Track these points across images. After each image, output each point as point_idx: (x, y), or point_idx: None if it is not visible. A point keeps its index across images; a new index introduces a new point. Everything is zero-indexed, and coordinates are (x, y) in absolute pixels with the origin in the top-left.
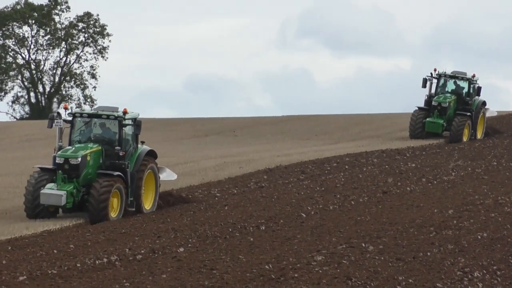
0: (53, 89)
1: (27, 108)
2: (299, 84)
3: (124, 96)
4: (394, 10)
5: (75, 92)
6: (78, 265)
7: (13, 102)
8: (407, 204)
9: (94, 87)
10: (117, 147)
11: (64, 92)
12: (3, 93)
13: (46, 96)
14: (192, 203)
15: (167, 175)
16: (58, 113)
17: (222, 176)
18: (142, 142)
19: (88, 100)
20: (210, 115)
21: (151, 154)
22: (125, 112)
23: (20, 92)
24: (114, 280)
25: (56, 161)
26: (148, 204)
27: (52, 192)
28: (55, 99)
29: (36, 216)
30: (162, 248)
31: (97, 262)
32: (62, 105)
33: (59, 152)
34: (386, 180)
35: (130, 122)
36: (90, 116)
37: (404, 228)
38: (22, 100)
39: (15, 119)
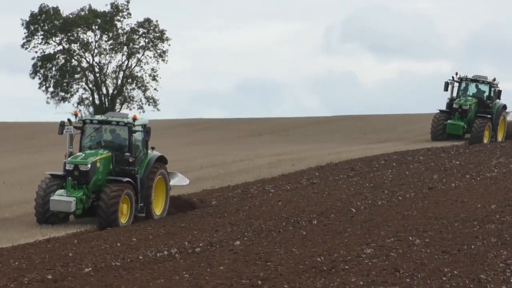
0: (115, 91)
1: (91, 109)
2: (345, 86)
3: (181, 98)
4: (434, 15)
5: (137, 93)
6: (140, 257)
7: (78, 103)
8: (452, 200)
9: (155, 89)
10: (127, 153)
11: (126, 94)
12: (69, 95)
13: (109, 97)
14: (204, 208)
15: (179, 180)
16: (69, 120)
17: (276, 173)
18: (152, 148)
19: (150, 101)
20: (262, 116)
21: (161, 160)
22: (134, 119)
23: (84, 94)
24: (174, 271)
25: (66, 168)
26: (158, 209)
27: (62, 199)
28: (118, 100)
29: (46, 221)
30: (219, 241)
31: (158, 254)
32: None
33: (69, 159)
34: (431, 176)
35: (139, 128)
36: (100, 122)
37: (449, 222)
38: (86, 101)
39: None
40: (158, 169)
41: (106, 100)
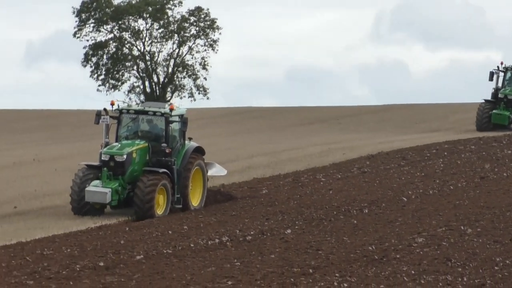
0: (166, 79)
1: (142, 97)
2: (394, 75)
3: (231, 86)
4: (484, 3)
5: (187, 82)
6: (192, 245)
7: (129, 91)
8: (504, 189)
9: (205, 77)
10: (164, 144)
11: (177, 82)
12: (120, 83)
13: (160, 86)
14: (238, 199)
15: (217, 171)
16: (105, 109)
17: (327, 162)
18: (190, 139)
19: (201, 89)
20: (310, 105)
21: (199, 151)
22: (171, 109)
23: (135, 82)
24: (225, 259)
25: (102, 158)
26: (195, 201)
27: (97, 190)
28: (168, 89)
29: (82, 212)
30: (270, 229)
31: (209, 242)
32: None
33: (104, 149)
34: (483, 166)
35: (176, 118)
36: (137, 112)
37: (501, 212)
38: (137, 89)
39: None
40: (195, 160)
41: (157, 88)
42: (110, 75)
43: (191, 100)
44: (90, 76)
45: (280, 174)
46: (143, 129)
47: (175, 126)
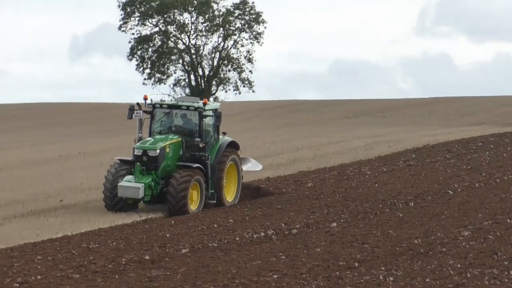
0: (211, 73)
1: (187, 90)
2: (439, 68)
3: (276, 79)
4: None
5: (232, 75)
6: (237, 238)
7: (174, 84)
8: None
9: (250, 70)
10: (197, 139)
11: (222, 75)
12: (165, 76)
13: (205, 79)
14: (271, 195)
15: (252, 166)
16: (138, 104)
17: (372, 155)
18: (224, 134)
19: (246, 82)
20: (355, 98)
21: (233, 146)
22: (205, 103)
23: (181, 75)
24: (271, 253)
25: (135, 153)
26: (230, 196)
27: (130, 185)
28: (213, 82)
29: (115, 208)
30: (315, 223)
31: (254, 236)
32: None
33: (137, 144)
34: None
35: (210, 113)
36: (170, 107)
37: None
38: (183, 83)
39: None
40: (229, 155)
41: (202, 81)
42: (155, 69)
43: (236, 93)
44: (136, 69)
45: (325, 167)
46: (177, 124)
47: (209, 120)
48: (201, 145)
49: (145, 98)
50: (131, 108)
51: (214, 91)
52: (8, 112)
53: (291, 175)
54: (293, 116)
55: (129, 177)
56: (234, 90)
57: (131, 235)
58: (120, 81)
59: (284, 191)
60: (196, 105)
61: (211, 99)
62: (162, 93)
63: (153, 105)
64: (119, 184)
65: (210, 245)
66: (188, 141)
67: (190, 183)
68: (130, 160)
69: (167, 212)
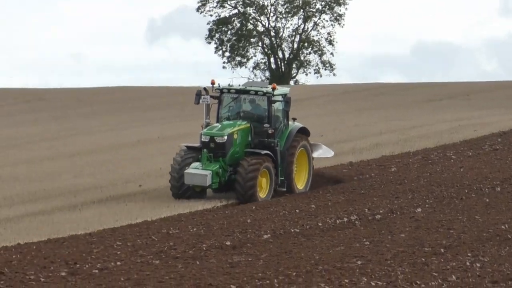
0: (291, 55)
1: (267, 74)
2: None
3: (357, 62)
4: None
5: (313, 58)
6: (320, 224)
7: (254, 68)
8: None
9: (331, 53)
10: (266, 125)
11: (302, 58)
12: (245, 59)
13: (285, 62)
14: (342, 182)
15: (323, 152)
16: (205, 89)
17: (457, 139)
18: (294, 119)
19: (327, 65)
20: (439, 80)
21: (303, 132)
22: (274, 88)
23: (261, 58)
24: (354, 238)
25: (202, 139)
26: (300, 183)
27: (197, 172)
28: (294, 65)
29: (182, 196)
30: (400, 208)
31: (337, 221)
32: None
33: (204, 130)
34: None
35: (279, 98)
36: (238, 92)
37: None
38: (262, 66)
39: None
40: (299, 141)
41: (282, 64)
42: (235, 52)
43: (317, 77)
44: (215, 52)
45: (409, 151)
46: (245, 109)
47: (278, 106)
48: (270, 131)
49: (213, 83)
50: (198, 93)
51: (295, 74)
52: (86, 96)
53: (374, 159)
54: (375, 99)
55: (196, 164)
56: (315, 73)
57: (211, 220)
58: (199, 64)
59: (362, 177)
60: (264, 90)
61: (291, 82)
62: (242, 76)
63: (221, 90)
64: (186, 171)
65: (292, 230)
66: (257, 127)
67: (259, 171)
68: (197, 146)
69: (235, 200)
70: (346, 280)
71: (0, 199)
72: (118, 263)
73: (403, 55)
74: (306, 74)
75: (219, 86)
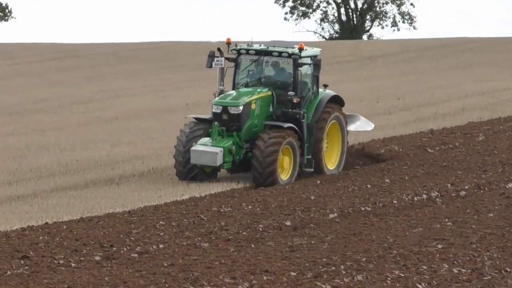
0: (365, 6)
1: (336, 27)
2: None
3: (440, 13)
4: None
5: (390, 8)
6: (395, 201)
7: (321, 20)
8: None
9: (412, 3)
10: (291, 92)
11: (378, 9)
12: (310, 10)
13: (358, 13)
14: (381, 161)
15: (361, 125)
16: (219, 49)
17: None
18: (325, 86)
19: (406, 17)
20: None
21: (336, 101)
22: (300, 48)
23: (328, 8)
24: (434, 218)
25: (213, 110)
26: (332, 163)
27: (205, 149)
28: (368, 17)
29: (188, 177)
30: (488, 183)
31: (415, 198)
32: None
33: (216, 99)
34: None
35: (307, 61)
36: (259, 53)
37: None
38: (331, 17)
39: (323, 39)
40: (331, 112)
41: (354, 16)
42: (298, 1)
43: (394, 30)
44: (275, 2)
45: (500, 117)
46: (267, 74)
47: (306, 70)
48: (295, 100)
49: (228, 42)
50: (211, 55)
51: (368, 27)
52: (125, 52)
53: (459, 126)
54: (462, 56)
55: (205, 139)
56: (392, 26)
57: (269, 197)
58: (258, 17)
59: (400, 153)
60: (290, 51)
61: (364, 37)
62: (307, 29)
63: (238, 51)
64: (192, 148)
65: (363, 209)
66: (280, 95)
67: (280, 146)
68: (208, 118)
69: (252, 182)
70: (424, 267)
71: (26, 171)
72: (161, 245)
73: (494, 6)
74: (382, 27)
75: (236, 46)
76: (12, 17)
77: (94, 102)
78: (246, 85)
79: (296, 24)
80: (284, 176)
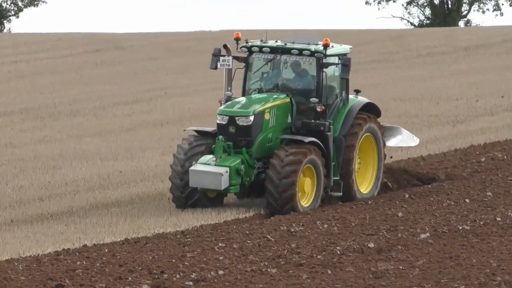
0: None
1: (427, 12)
2: None
3: None
4: None
5: None
6: (498, 218)
7: (408, 3)
8: None
9: None
10: (314, 99)
11: None
12: None
13: None
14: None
15: (403, 140)
16: (225, 46)
17: None
18: (357, 92)
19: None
20: None
21: (370, 110)
22: (326, 45)
23: None
24: None
25: (217, 121)
26: (365, 186)
27: (207, 170)
28: (465, 0)
29: (187, 203)
30: None
31: None
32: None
33: (221, 108)
34: None
35: (334, 60)
36: (274, 51)
37: None
38: (421, 1)
39: (412, 26)
40: (363, 124)
41: None
42: None
43: (497, 15)
44: None
45: None
46: (284, 77)
47: (333, 71)
48: (319, 109)
49: (237, 38)
50: (216, 53)
51: (466, 11)
52: (177, 43)
53: None
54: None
55: (208, 157)
56: (494, 10)
57: (348, 214)
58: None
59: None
60: (313, 48)
61: (460, 23)
62: (392, 15)
63: (249, 49)
64: (191, 168)
65: (460, 228)
66: (301, 102)
67: (300, 165)
68: (211, 131)
69: (266, 210)
70: None
71: (61, 185)
72: (221, 272)
73: None
74: (483, 12)
75: (246, 42)
76: (43, 2)
77: (140, 102)
78: (259, 91)
79: (379, 9)
80: (305, 202)
